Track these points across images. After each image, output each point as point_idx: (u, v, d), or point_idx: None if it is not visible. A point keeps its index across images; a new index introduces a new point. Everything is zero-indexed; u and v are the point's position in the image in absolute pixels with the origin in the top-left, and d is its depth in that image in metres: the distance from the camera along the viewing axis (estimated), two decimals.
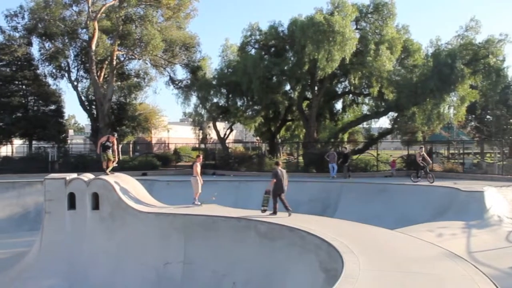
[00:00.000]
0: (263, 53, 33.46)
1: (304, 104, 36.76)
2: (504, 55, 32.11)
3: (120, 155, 20.91)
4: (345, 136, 41.15)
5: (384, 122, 67.20)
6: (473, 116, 43.42)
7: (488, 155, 48.24)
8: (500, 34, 31.49)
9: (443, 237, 13.76)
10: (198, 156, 18.08)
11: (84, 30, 35.05)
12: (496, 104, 38.35)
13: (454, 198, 19.46)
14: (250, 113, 37.44)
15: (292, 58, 31.60)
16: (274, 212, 13.97)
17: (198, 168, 16.20)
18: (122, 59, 37.03)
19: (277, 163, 15.00)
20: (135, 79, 39.80)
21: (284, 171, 14.51)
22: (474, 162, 34.75)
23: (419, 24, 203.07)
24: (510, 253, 13.62)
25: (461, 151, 39.38)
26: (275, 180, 13.88)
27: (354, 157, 31.42)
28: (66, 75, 37.86)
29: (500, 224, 16.69)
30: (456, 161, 32.76)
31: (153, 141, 54.02)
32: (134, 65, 39.96)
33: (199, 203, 15.94)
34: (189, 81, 38.28)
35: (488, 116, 43.17)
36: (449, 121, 34.65)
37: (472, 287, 7.26)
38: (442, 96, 29.54)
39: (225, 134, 40.36)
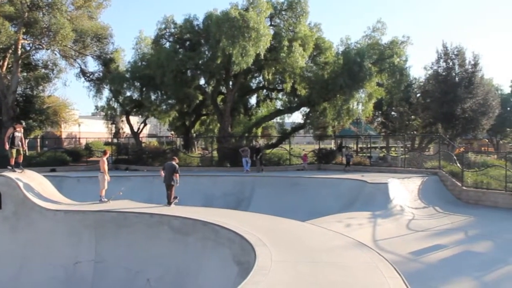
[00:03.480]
0: (177, 46, 32.99)
1: (219, 98, 36.81)
2: (407, 55, 34.24)
3: (27, 150, 19.64)
4: (259, 131, 41.72)
5: (297, 117, 68.88)
6: (380, 112, 45.56)
7: (393, 149, 51.06)
8: (403, 36, 33.56)
9: (351, 227, 14.39)
10: (105, 152, 17.39)
11: None
12: (399, 101, 40.57)
13: (362, 190, 20.45)
14: (164, 107, 36.82)
15: (207, 53, 31.41)
16: (168, 203, 15.01)
17: (105, 164, 15.71)
18: (28, 48, 34.77)
19: (173, 158, 16.51)
20: (43, 70, 37.57)
21: (176, 165, 15.72)
22: (380, 155, 36.67)
23: (330, 23, 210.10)
24: (410, 239, 14.59)
25: (369, 145, 41.37)
26: (163, 173, 15.57)
27: (268, 151, 31.96)
28: None
29: (402, 214, 17.78)
30: (364, 154, 34.38)
31: (63, 136, 51.58)
32: (41, 56, 37.62)
33: (105, 200, 15.46)
34: (101, 74, 36.94)
35: (392, 112, 45.50)
36: (358, 116, 36.24)
37: (376, 273, 7.66)
38: (351, 92, 30.87)
39: (138, 129, 39.46)
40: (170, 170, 15.53)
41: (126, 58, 62.47)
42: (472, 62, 37.14)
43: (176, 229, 12.45)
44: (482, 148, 57.63)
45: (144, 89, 34.49)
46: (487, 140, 60.38)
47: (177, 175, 15.46)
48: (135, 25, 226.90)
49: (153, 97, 35.26)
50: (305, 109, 36.80)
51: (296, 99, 35.96)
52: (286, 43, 30.13)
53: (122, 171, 29.00)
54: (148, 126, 50.89)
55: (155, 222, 12.90)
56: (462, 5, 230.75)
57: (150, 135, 64.01)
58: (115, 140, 40.78)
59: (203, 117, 44.00)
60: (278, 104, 41.24)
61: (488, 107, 37.21)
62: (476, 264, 12.08)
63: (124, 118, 39.14)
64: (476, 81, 36.48)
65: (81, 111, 60.95)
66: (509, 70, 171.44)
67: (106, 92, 37.51)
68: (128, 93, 36.17)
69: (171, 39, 33.99)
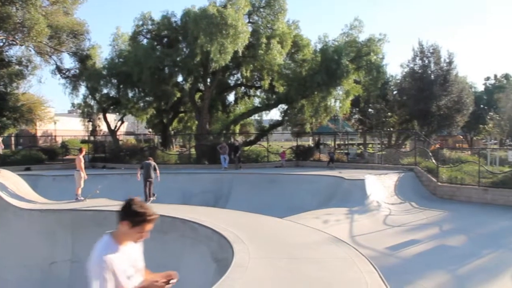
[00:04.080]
0: (155, 43, 32.74)
1: (197, 95, 36.65)
2: (383, 53, 34.58)
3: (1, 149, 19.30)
4: (237, 128, 41.72)
5: (275, 114, 69.28)
6: (357, 109, 46.02)
7: (370, 145, 51.62)
8: (379, 34, 33.84)
9: (329, 223, 14.52)
10: (81, 150, 17.18)
11: None
12: (376, 99, 41.05)
13: (339, 186, 20.63)
14: (142, 104, 36.51)
15: (185, 50, 31.23)
16: (145, 199, 15.56)
17: (81, 162, 15.55)
18: (1, 44, 34.08)
19: (149, 158, 18.05)
20: (17, 66, 36.63)
21: (153, 163, 17.14)
22: (358, 152, 37.06)
23: (308, 20, 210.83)
24: (386, 235, 14.80)
25: (346, 142, 41.73)
26: (139, 171, 16.70)
27: (246, 148, 32.00)
28: None
29: (378, 209, 18.00)
30: (342, 151, 34.69)
31: (38, 134, 50.68)
32: (15, 52, 36.66)
33: (82, 198, 15.31)
34: (77, 71, 36.22)
35: (370, 110, 46.00)
36: (335, 113, 36.50)
37: (353, 269, 7.76)
38: (329, 90, 31.06)
39: (115, 126, 39.02)
40: (148, 168, 16.46)
41: (103, 55, 61.28)
42: (447, 60, 37.70)
43: (154, 227, 12.32)
44: (457, 145, 58.69)
45: (121, 86, 34.13)
46: (461, 137, 61.46)
47: (158, 171, 16.71)
48: (112, 22, 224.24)
49: (130, 94, 34.93)
50: (283, 106, 36.90)
51: (274, 96, 36.03)
52: (264, 40, 30.16)
53: (99, 169, 28.71)
54: (125, 123, 50.33)
55: None
56: (437, 4, 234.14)
57: (127, 133, 63.36)
58: (92, 138, 40.31)
59: (181, 115, 43.77)
60: (256, 101, 41.32)
61: (463, 105, 37.85)
62: (450, 258, 12.32)
63: (101, 116, 38.65)
64: (451, 79, 37.05)
65: (57, 108, 60.00)
66: (483, 68, 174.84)
67: (82, 89, 36.94)
68: (105, 90, 35.67)
69: (148, 36, 33.68)
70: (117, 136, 38.78)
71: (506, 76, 62.32)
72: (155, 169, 16.84)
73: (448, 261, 12.04)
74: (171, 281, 3.37)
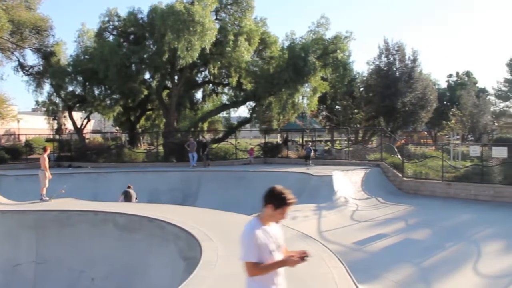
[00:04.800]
0: (121, 40, 32.27)
1: (164, 93, 36.34)
2: (350, 51, 35.07)
3: None
4: (205, 125, 41.58)
5: (243, 112, 69.14)
6: (324, 106, 46.40)
7: (337, 142, 52.22)
8: (346, 32, 34.19)
9: (297, 220, 14.62)
10: (45, 148, 16.75)
11: None
12: (343, 95, 41.48)
13: (307, 183, 20.79)
14: (109, 102, 35.93)
15: (152, 47, 30.89)
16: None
17: (46, 161, 15.20)
18: None
19: (128, 186, 17.69)
20: None
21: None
22: (325, 148, 37.45)
23: (276, 18, 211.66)
24: (353, 230, 15.03)
25: (314, 139, 42.09)
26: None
27: (214, 146, 31.92)
28: None
29: (346, 205, 18.24)
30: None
31: (1, 133, 49.28)
32: None
33: (47, 198, 14.98)
34: (41, 67, 35.37)
35: (337, 106, 46.44)
36: (303, 110, 36.72)
37: (320, 264, 7.86)
38: (296, 87, 31.25)
39: (82, 124, 38.31)
40: (130, 197, 16.72)
41: (68, 51, 60.01)
42: (412, 58, 38.41)
43: (122, 226, 12.25)
44: (422, 140, 60.03)
45: (87, 83, 33.43)
46: (426, 133, 62.88)
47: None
48: (77, 18, 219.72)
49: (96, 91, 34.26)
50: (251, 103, 36.95)
51: (242, 94, 36.04)
52: (231, 37, 30.11)
53: (64, 168, 28.20)
54: (92, 121, 49.51)
55: (99, 220, 12.62)
56: (402, 3, 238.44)
57: (94, 131, 62.25)
58: (57, 137, 39.49)
59: (148, 112, 43.33)
60: (224, 98, 41.26)
61: (427, 101, 38.61)
62: (415, 251, 12.60)
63: (66, 114, 37.91)
64: (415, 76, 37.76)
65: (20, 106, 58.12)
66: (445, 66, 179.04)
67: (47, 87, 36.05)
68: (70, 88, 34.90)
69: (114, 33, 33.15)
70: (84, 135, 38.13)
71: (467, 74, 64.11)
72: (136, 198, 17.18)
73: (413, 254, 12.31)
74: (305, 258, 3.86)
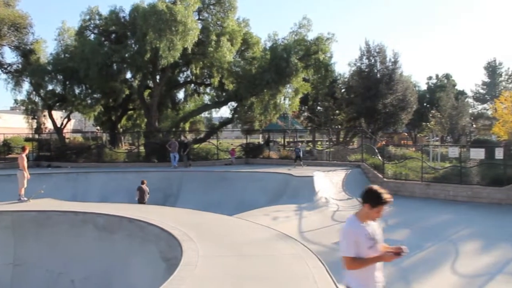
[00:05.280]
0: (103, 39, 31.98)
1: (146, 93, 36.16)
2: (332, 52, 35.28)
3: None
4: (187, 126, 41.45)
5: (225, 112, 69.22)
6: (306, 107, 46.53)
7: (318, 142, 52.44)
8: (328, 33, 34.41)
9: (278, 220, 14.69)
10: (23, 148, 16.48)
11: None
12: (325, 96, 41.68)
13: (288, 183, 20.88)
14: (89, 101, 35.60)
15: (133, 46, 30.64)
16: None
17: (24, 160, 14.98)
18: None
19: (142, 181, 18.55)
20: None
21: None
22: (307, 149, 37.57)
23: (258, 18, 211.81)
24: (334, 230, 15.03)
25: (295, 139, 42.21)
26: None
27: (195, 146, 31.84)
28: None
29: (327, 205, 18.35)
30: (291, 148, 35.06)
31: None
32: None
33: (25, 199, 14.76)
34: (20, 66, 34.88)
35: (318, 107, 46.63)
36: (285, 111, 36.90)
37: (301, 264, 7.90)
38: (278, 87, 31.39)
39: (62, 124, 37.91)
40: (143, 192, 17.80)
41: (48, 49, 59.15)
42: (392, 60, 38.77)
43: (102, 227, 12.12)
44: (402, 142, 60.66)
45: (67, 82, 33.02)
46: (406, 134, 63.47)
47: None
48: (58, 15, 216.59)
49: (77, 91, 33.89)
50: (233, 104, 37.01)
51: (224, 94, 36.05)
52: (214, 37, 30.09)
53: (43, 168, 27.81)
54: (72, 121, 48.99)
55: (79, 220, 12.46)
56: (384, 6, 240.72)
57: (74, 131, 61.52)
58: (36, 136, 38.97)
59: (130, 112, 43.07)
60: (206, 98, 41.29)
61: (407, 103, 38.97)
62: None
63: (46, 113, 37.43)
64: (396, 78, 38.09)
65: None
66: (425, 68, 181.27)
67: (26, 85, 35.60)
68: (50, 87, 34.50)
69: (96, 31, 32.83)
70: (64, 134, 37.73)
71: (446, 76, 64.88)
72: (148, 192, 18.10)
73: None
74: (401, 253, 4.11)
